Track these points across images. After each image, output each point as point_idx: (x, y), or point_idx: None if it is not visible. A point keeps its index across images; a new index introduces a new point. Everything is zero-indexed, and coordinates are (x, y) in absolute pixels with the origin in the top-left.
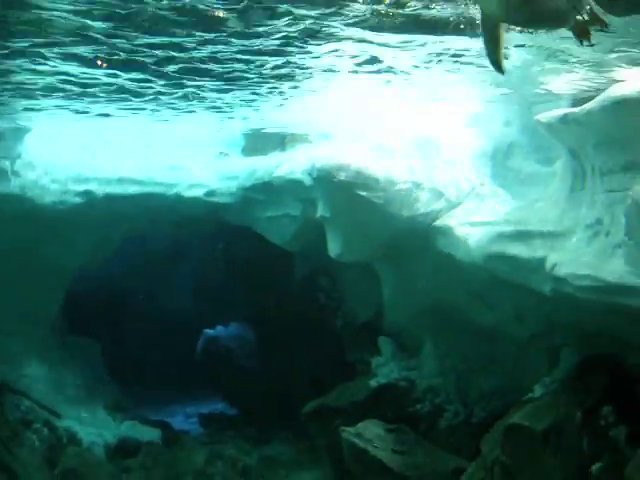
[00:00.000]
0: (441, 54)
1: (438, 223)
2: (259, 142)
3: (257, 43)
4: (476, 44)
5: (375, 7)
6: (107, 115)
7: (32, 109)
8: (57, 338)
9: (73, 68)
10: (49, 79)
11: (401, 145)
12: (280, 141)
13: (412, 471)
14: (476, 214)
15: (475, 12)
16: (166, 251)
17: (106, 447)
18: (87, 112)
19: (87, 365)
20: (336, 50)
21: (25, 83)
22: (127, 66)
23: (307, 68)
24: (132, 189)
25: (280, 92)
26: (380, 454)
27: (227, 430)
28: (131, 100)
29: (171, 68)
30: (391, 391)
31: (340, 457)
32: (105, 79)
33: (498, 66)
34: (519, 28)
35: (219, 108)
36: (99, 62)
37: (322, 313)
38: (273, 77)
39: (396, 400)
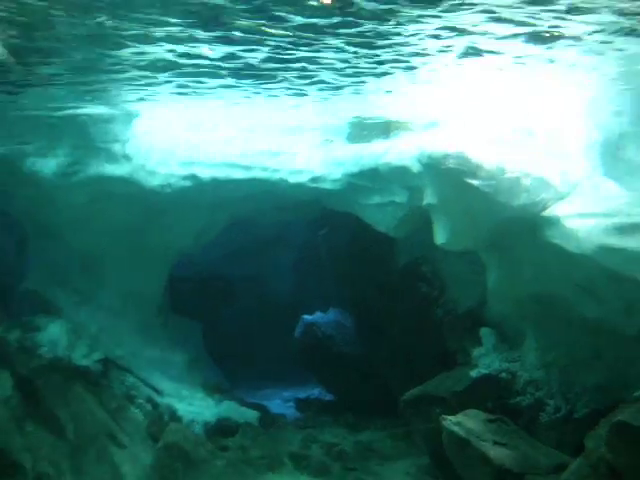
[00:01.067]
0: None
1: (546, 213)
2: (364, 129)
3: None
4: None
5: None
6: (217, 97)
7: (141, 94)
8: (161, 318)
9: (185, 49)
10: (159, 61)
11: (510, 134)
12: (384, 129)
13: (513, 463)
14: (586, 205)
15: None
16: (268, 236)
17: (205, 425)
18: (194, 96)
19: (188, 345)
20: (448, 37)
21: (136, 65)
22: (246, 46)
23: (418, 54)
24: (237, 174)
25: (389, 78)
26: (481, 445)
27: (323, 415)
28: (241, 85)
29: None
30: (492, 382)
31: (437, 446)
32: (218, 63)
33: None
34: None
35: (329, 89)
36: (209, 49)
37: (423, 301)
38: (381, 63)
39: (496, 392)
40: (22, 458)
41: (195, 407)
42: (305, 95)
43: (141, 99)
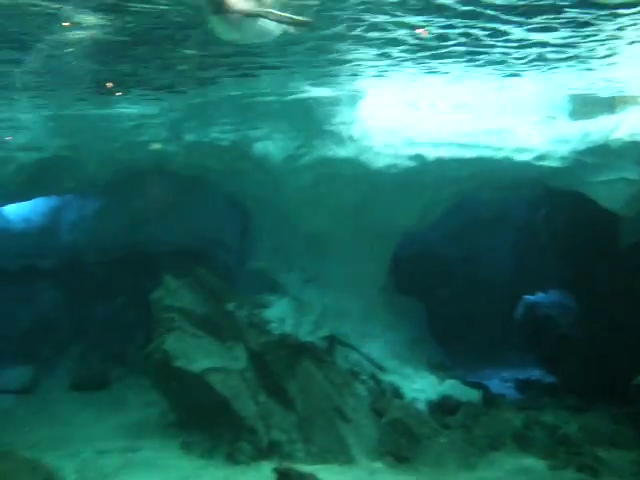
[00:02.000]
0: None
1: None
2: (586, 105)
3: None
4: None
5: None
6: (442, 75)
7: (368, 74)
8: (384, 296)
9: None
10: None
11: None
12: (610, 104)
13: None
14: None
15: None
16: (489, 216)
17: (428, 403)
18: (420, 74)
19: (411, 324)
20: None
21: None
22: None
23: None
24: (461, 153)
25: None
26: None
27: (544, 397)
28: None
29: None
30: None
31: None
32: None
33: None
34: None
35: (548, 66)
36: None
37: None
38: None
39: None
40: (257, 425)
41: (418, 385)
42: (523, 72)
43: (366, 79)
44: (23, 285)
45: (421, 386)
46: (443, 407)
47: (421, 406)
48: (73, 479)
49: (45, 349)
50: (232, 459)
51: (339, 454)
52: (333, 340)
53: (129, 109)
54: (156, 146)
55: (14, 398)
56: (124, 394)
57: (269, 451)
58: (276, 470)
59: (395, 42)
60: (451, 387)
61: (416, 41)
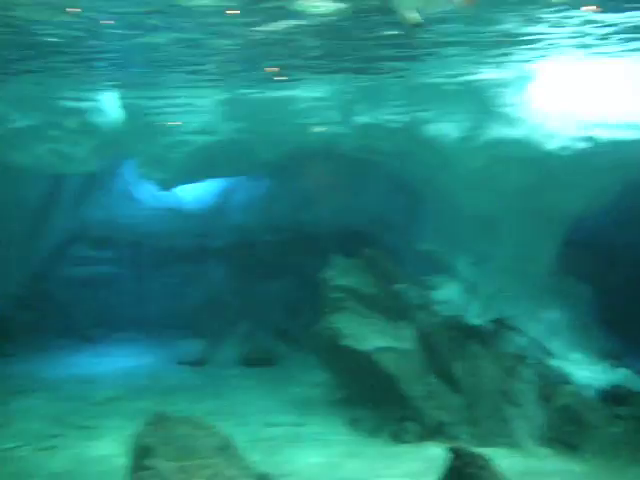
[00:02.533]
0: None
1: None
2: None
3: None
4: None
5: None
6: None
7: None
8: (553, 281)
9: None
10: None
11: None
12: None
13: None
14: None
15: None
16: None
17: (598, 391)
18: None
19: (580, 309)
20: None
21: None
22: None
23: None
24: (636, 135)
25: None
26: None
27: None
28: None
29: None
30: None
31: None
32: None
33: None
34: None
35: None
36: None
37: None
38: None
39: None
40: (423, 405)
41: (587, 372)
42: None
43: (535, 59)
44: (195, 264)
45: (591, 373)
46: (614, 396)
47: (591, 394)
48: (246, 448)
49: (215, 325)
50: (397, 438)
51: (505, 438)
52: (501, 323)
53: (302, 93)
54: (320, 129)
55: (189, 370)
56: (290, 371)
57: (435, 432)
58: (450, 449)
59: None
60: (623, 376)
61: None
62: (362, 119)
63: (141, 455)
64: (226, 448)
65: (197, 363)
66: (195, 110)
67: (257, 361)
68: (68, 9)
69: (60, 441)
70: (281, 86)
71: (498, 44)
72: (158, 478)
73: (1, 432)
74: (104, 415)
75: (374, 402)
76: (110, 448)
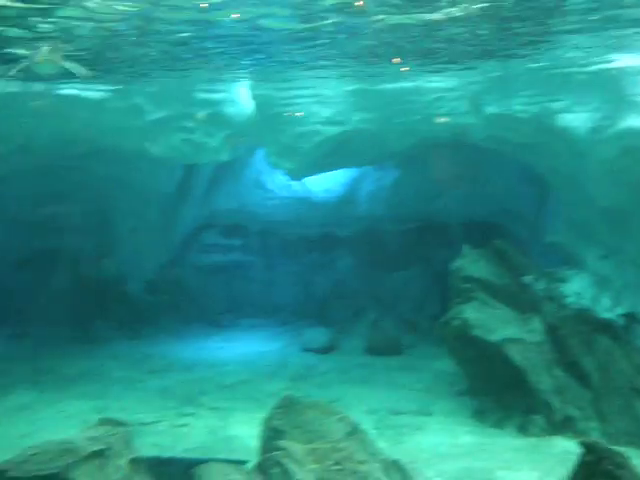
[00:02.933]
0: None
1: None
2: None
3: None
4: None
5: None
6: None
7: None
8: None
9: None
10: None
11: None
12: None
13: None
14: None
15: None
16: None
17: None
18: None
19: None
20: None
21: None
22: None
23: None
24: None
25: None
26: None
27: None
28: None
29: None
30: None
31: None
32: None
33: None
34: None
35: None
36: None
37: None
38: None
39: None
40: (551, 399)
41: None
42: None
43: None
44: (323, 252)
45: None
46: None
47: None
48: (373, 434)
49: (342, 313)
50: (524, 431)
51: (636, 437)
52: (632, 318)
53: (431, 83)
54: (448, 119)
55: (315, 357)
56: (415, 361)
57: (562, 426)
58: (582, 443)
59: None
60: None
61: None
62: (491, 109)
63: (272, 437)
64: (355, 433)
65: (324, 350)
66: (325, 101)
67: (383, 350)
68: (201, 4)
69: (193, 420)
70: (410, 76)
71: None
72: (289, 459)
73: (144, 407)
74: (234, 397)
75: (500, 394)
76: (240, 429)
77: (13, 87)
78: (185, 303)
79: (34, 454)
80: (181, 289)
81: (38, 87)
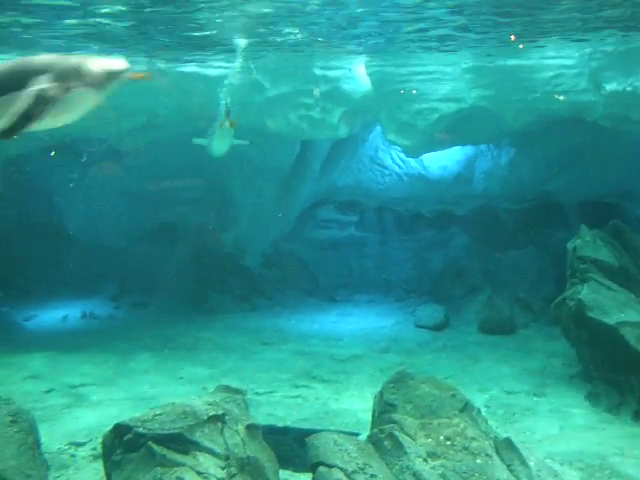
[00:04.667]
0: None
1: None
2: None
3: None
4: None
5: None
6: None
7: None
8: None
9: None
10: None
11: None
12: None
13: None
14: None
15: None
16: None
17: None
18: None
19: None
20: None
21: None
22: None
23: None
24: None
25: None
26: None
27: None
28: None
29: None
30: None
31: None
32: None
33: None
34: None
35: None
36: None
37: None
38: None
39: None
40: None
41: None
42: None
43: None
44: (438, 230)
45: None
46: None
47: None
48: (484, 413)
49: (456, 291)
50: None
51: None
52: None
53: (549, 60)
54: (561, 97)
55: (428, 333)
56: (528, 341)
57: None
58: None
59: None
60: None
61: None
62: (612, 86)
63: (384, 411)
64: (466, 410)
65: (437, 327)
66: (442, 78)
67: (496, 329)
68: None
69: (306, 392)
70: (528, 53)
71: None
72: (401, 432)
73: (258, 378)
74: (347, 371)
75: (616, 378)
76: (352, 402)
77: (138, 65)
78: (300, 277)
79: (158, 414)
80: (297, 264)
81: (161, 65)
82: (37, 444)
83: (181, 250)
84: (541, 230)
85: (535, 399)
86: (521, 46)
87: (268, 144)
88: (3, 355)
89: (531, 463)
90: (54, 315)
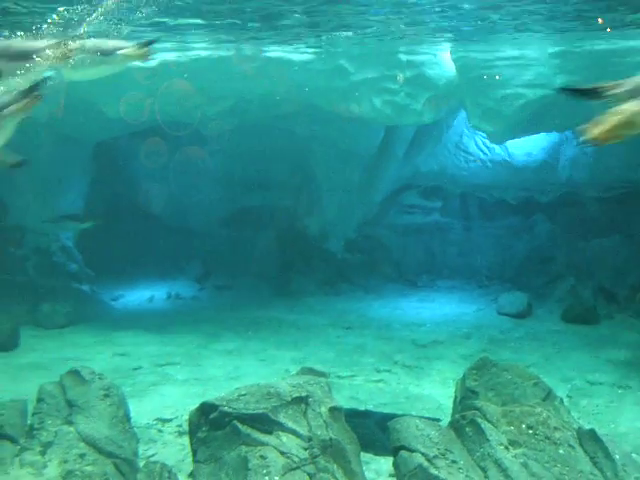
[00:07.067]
0: None
1: None
2: None
3: None
4: None
5: None
6: None
7: None
8: None
9: None
10: None
11: None
12: None
13: None
14: None
15: None
16: None
17: None
18: None
19: None
20: None
21: None
22: None
23: None
24: None
25: None
26: None
27: None
28: None
29: None
30: None
31: None
32: None
33: None
34: None
35: None
36: None
37: None
38: None
39: None
40: None
41: None
42: None
43: None
44: (522, 217)
45: None
46: None
47: None
48: (567, 403)
49: (539, 279)
50: None
51: None
52: None
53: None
54: None
55: (510, 321)
56: (613, 332)
57: None
58: None
59: None
60: None
61: None
62: None
63: (465, 397)
64: (549, 399)
65: (519, 315)
66: (528, 63)
67: (579, 318)
68: None
69: (387, 376)
70: (614, 37)
71: None
72: (483, 419)
73: (340, 361)
74: (428, 357)
75: None
76: (434, 388)
77: (223, 50)
78: (383, 262)
79: (243, 394)
80: (380, 248)
81: (247, 50)
82: (127, 418)
83: (265, 234)
84: (628, 219)
85: (620, 391)
86: (609, 30)
87: (352, 129)
88: (93, 333)
89: (616, 457)
90: (141, 296)
